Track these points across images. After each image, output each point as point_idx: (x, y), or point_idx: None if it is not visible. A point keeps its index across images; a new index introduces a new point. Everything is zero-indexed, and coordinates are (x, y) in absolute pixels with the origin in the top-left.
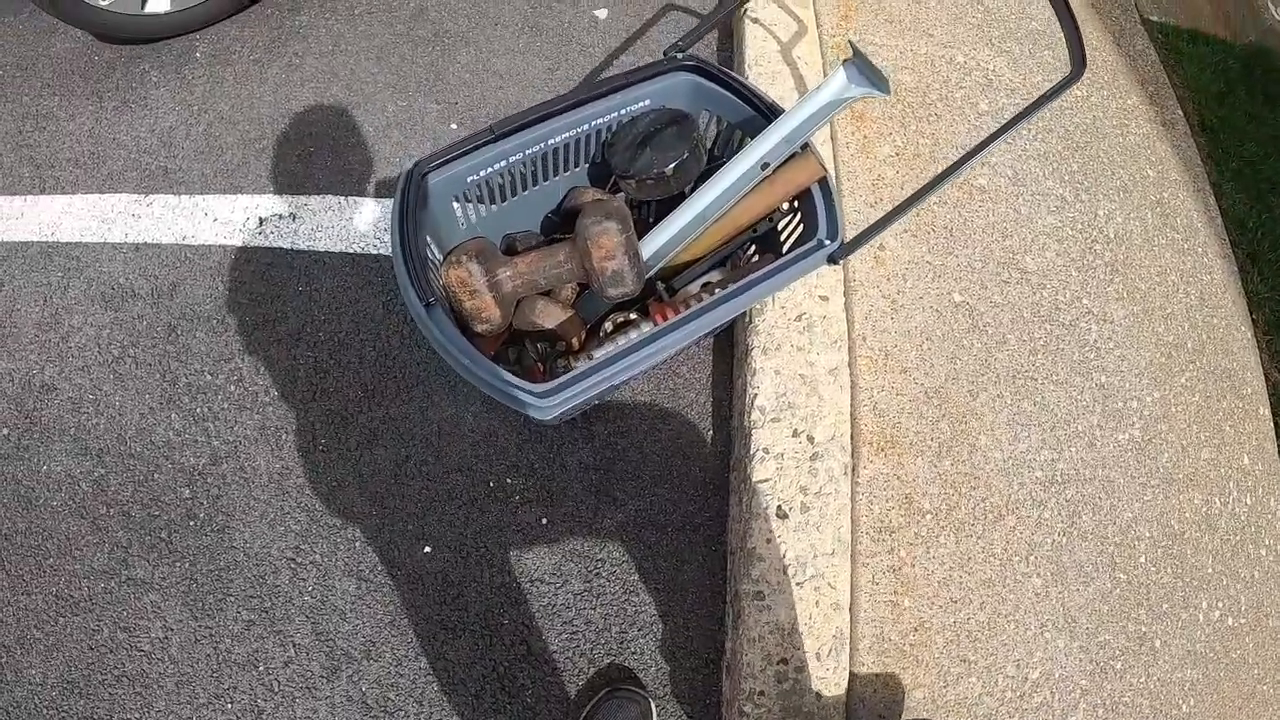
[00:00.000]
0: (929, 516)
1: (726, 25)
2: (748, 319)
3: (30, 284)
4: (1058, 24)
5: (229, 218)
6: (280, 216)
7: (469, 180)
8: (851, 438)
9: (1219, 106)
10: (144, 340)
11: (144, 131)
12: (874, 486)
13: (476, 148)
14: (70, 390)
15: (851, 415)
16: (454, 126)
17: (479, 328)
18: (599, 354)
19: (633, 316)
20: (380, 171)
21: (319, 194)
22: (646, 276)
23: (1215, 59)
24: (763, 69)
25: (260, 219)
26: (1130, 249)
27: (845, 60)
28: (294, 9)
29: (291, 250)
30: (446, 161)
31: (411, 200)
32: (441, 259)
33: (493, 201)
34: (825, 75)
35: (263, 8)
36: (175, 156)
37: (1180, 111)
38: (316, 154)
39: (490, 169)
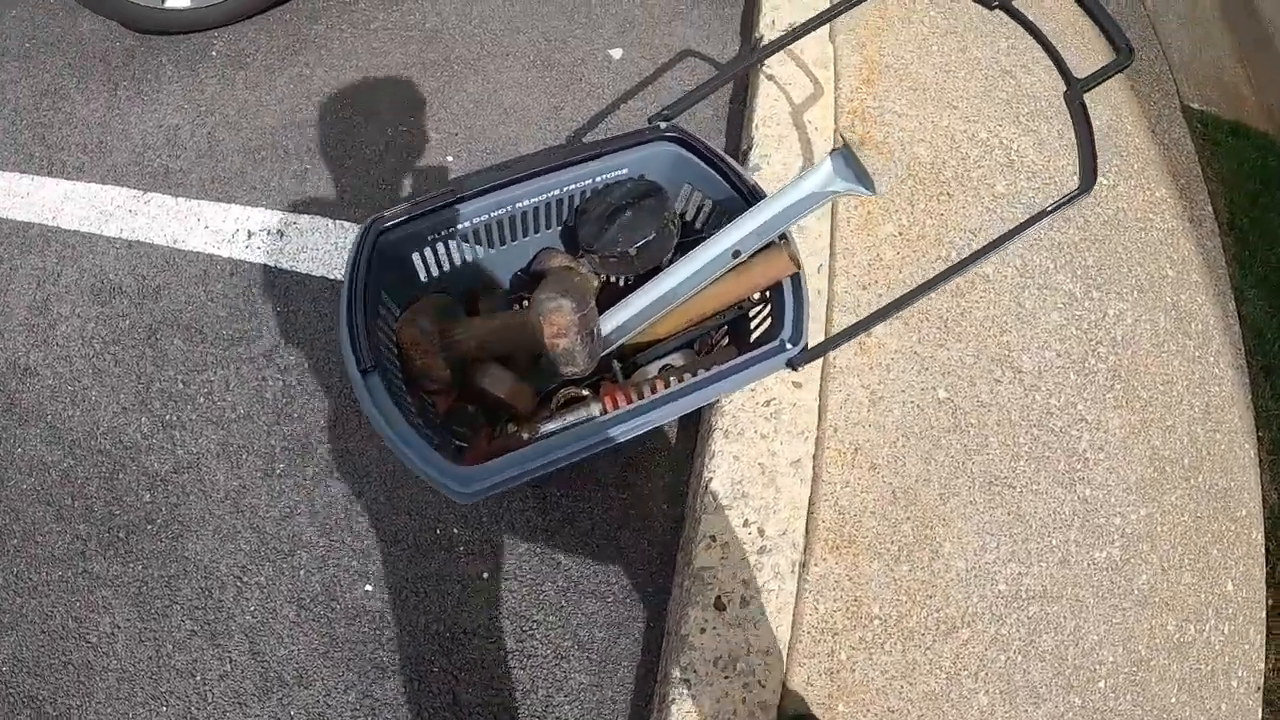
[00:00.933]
0: (877, 622)
1: (742, 79)
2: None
3: (27, 265)
4: (1090, 104)
5: (220, 226)
6: (269, 232)
7: (429, 237)
8: (806, 533)
9: (1252, 206)
10: (125, 339)
11: (151, 126)
12: (823, 585)
13: (436, 209)
14: (51, 378)
15: (809, 510)
16: (449, 159)
17: (428, 386)
18: (544, 428)
19: (584, 393)
20: (370, 198)
21: (309, 214)
22: (603, 354)
23: (1255, 155)
24: (769, 130)
25: (249, 232)
26: (1137, 354)
27: (833, 150)
28: (313, 16)
29: (275, 268)
30: (406, 219)
31: (365, 261)
32: (399, 311)
33: (458, 260)
34: (834, 144)
35: (282, 12)
36: (178, 156)
37: (1210, 208)
38: (312, 172)
39: (453, 228)
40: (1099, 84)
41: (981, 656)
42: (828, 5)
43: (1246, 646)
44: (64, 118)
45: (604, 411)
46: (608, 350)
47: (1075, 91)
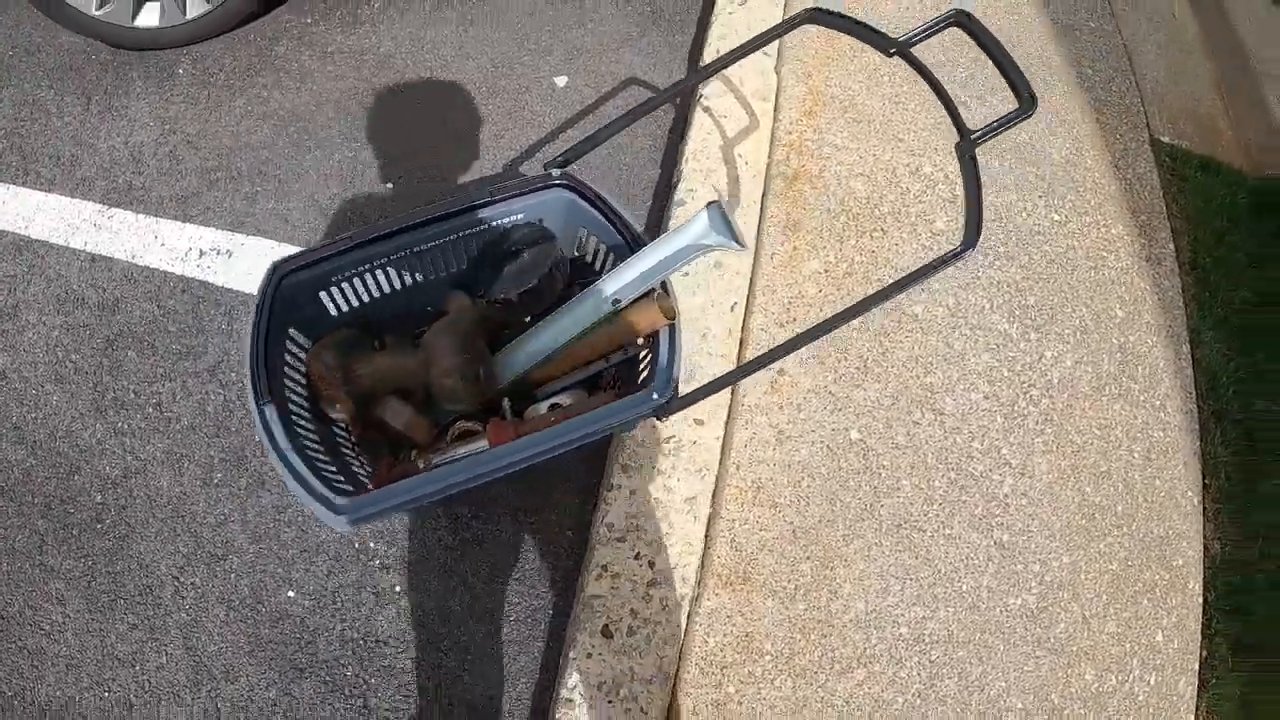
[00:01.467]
0: (768, 658)
1: (683, 110)
2: (617, 435)
3: (1, 271)
4: (1049, 136)
5: (175, 244)
6: (218, 252)
7: (334, 279)
8: (700, 568)
9: (1217, 244)
10: (85, 348)
11: (119, 142)
12: (714, 619)
13: (336, 254)
14: (18, 381)
15: (705, 546)
16: (389, 186)
17: (333, 414)
18: (435, 460)
19: (476, 428)
20: (313, 222)
21: (256, 235)
22: (492, 392)
23: (1225, 191)
24: (698, 164)
25: (201, 251)
26: (1073, 397)
27: (710, 204)
28: (275, 38)
29: (222, 288)
30: (309, 264)
31: (268, 303)
32: (309, 344)
33: (364, 297)
34: (765, 180)
35: (246, 32)
36: (141, 173)
37: (1172, 246)
38: (261, 195)
39: (355, 269)
40: (993, 136)
41: (877, 698)
42: (775, 49)
43: (1175, 698)
44: (40, 128)
45: (490, 446)
46: (499, 388)
47: (967, 144)
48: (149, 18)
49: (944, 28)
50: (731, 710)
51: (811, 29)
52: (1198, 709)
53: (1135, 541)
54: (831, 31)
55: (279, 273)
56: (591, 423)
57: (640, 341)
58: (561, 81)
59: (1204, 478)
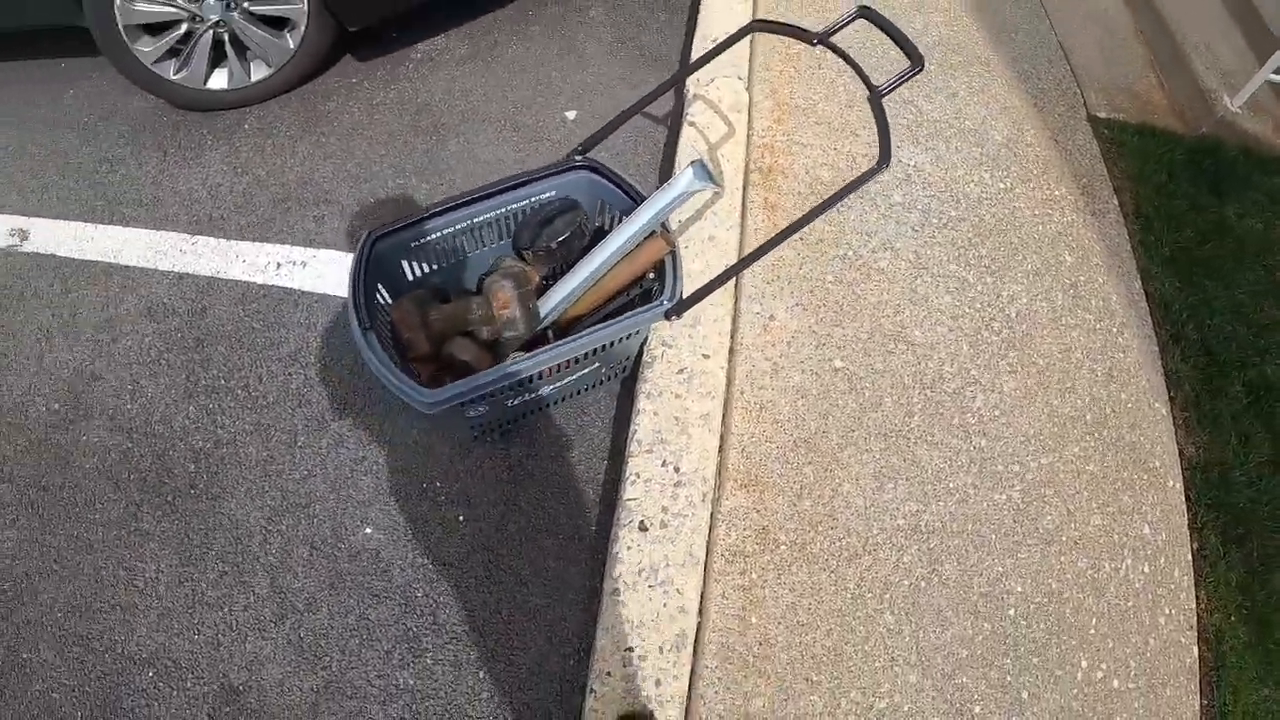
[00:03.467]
0: (784, 547)
1: (675, 128)
2: (640, 371)
3: (93, 294)
4: (991, 121)
5: (254, 260)
6: (294, 263)
7: (412, 245)
8: (717, 473)
9: (1158, 196)
10: (177, 348)
11: (196, 184)
12: (734, 516)
13: (416, 222)
14: (114, 380)
15: (720, 454)
16: None
17: (411, 354)
18: None
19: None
20: None
21: (326, 248)
22: (540, 327)
23: (1161, 151)
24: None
25: (278, 263)
26: (1032, 326)
27: (691, 162)
28: (326, 95)
29: (299, 290)
30: (393, 231)
31: (366, 257)
32: (391, 302)
33: (436, 265)
34: (745, 174)
35: (301, 93)
36: (218, 207)
37: (1115, 201)
38: (328, 217)
39: (428, 238)
40: (894, 89)
41: (884, 580)
42: (745, 75)
43: (1172, 586)
44: (120, 178)
45: None
46: (544, 324)
47: (875, 96)
48: (218, 81)
49: (853, 20)
50: (756, 594)
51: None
52: (1197, 598)
53: (1108, 446)
54: (791, 54)
55: (372, 236)
56: (618, 322)
57: (651, 277)
58: (571, 115)
59: (1169, 390)
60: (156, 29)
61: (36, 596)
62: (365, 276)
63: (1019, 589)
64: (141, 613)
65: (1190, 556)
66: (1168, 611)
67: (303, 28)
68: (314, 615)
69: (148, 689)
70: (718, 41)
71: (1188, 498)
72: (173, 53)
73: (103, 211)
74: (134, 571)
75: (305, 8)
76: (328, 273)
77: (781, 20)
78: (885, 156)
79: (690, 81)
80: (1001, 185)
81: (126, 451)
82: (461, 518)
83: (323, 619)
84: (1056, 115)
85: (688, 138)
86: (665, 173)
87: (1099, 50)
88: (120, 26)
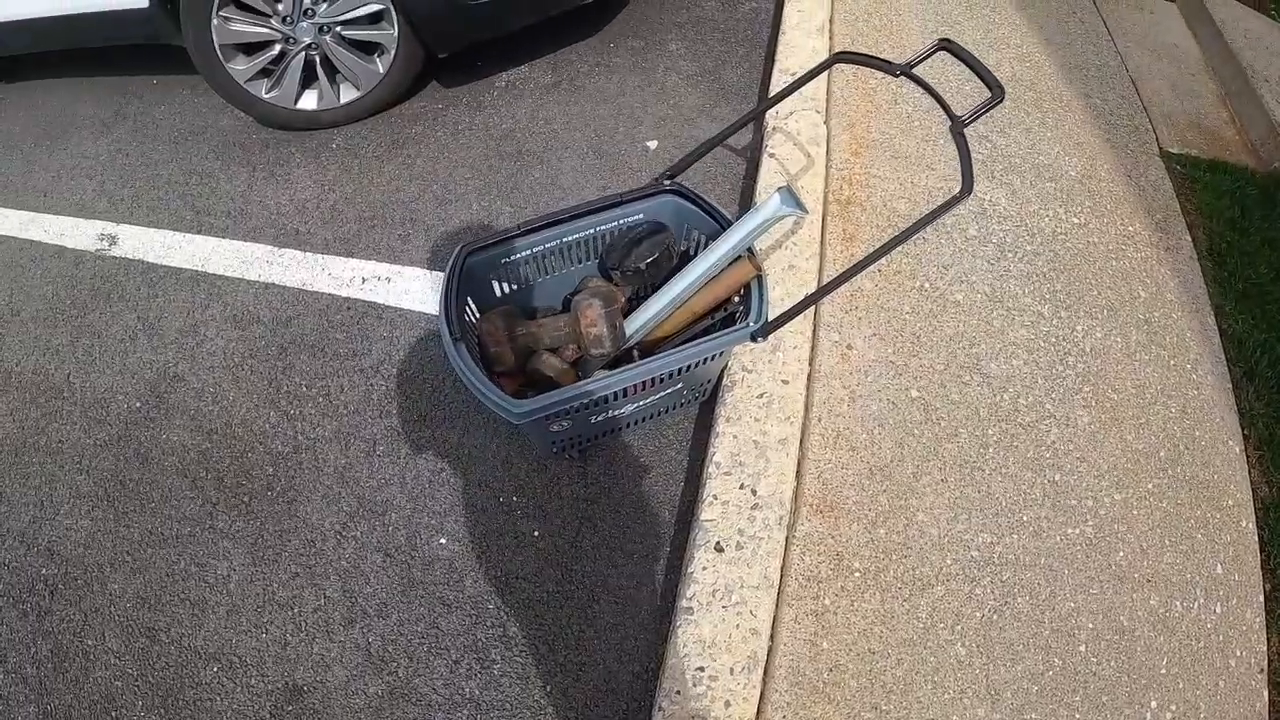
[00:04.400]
0: (857, 574)
1: (753, 161)
2: (720, 395)
3: (179, 299)
4: (1064, 156)
5: (340, 274)
6: (379, 279)
7: (502, 262)
8: (793, 497)
9: (1231, 232)
10: (260, 355)
11: (284, 199)
12: (809, 541)
13: (508, 238)
14: (196, 382)
15: (797, 479)
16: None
17: (498, 367)
18: None
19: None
20: None
21: (410, 265)
22: (625, 346)
23: (1234, 186)
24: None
25: (363, 278)
26: (1106, 362)
27: (780, 187)
28: (412, 119)
29: (383, 305)
30: (485, 246)
31: (459, 270)
32: (479, 316)
33: (523, 282)
34: (824, 204)
35: (388, 115)
36: (306, 222)
37: (1188, 238)
38: (413, 235)
39: (518, 255)
40: (976, 119)
41: (957, 612)
42: (822, 108)
43: (1244, 628)
44: (209, 191)
45: None
46: (629, 344)
47: (957, 125)
48: (308, 102)
49: (934, 52)
50: (829, 620)
51: (844, 71)
52: (1269, 641)
53: (1182, 484)
54: (868, 89)
55: (465, 249)
56: (705, 342)
57: (736, 300)
58: (653, 145)
59: (1243, 429)
60: (251, 49)
61: (106, 586)
62: (458, 290)
63: (1090, 625)
64: (210, 608)
65: (1263, 598)
66: (1238, 653)
67: (392, 53)
68: (384, 621)
69: (210, 683)
70: (796, 75)
71: (1261, 538)
72: (265, 73)
73: (190, 221)
74: (205, 568)
75: (395, 34)
76: (412, 289)
77: (863, 52)
78: (968, 185)
79: (769, 115)
80: (1075, 220)
81: (205, 452)
82: (537, 532)
83: (392, 625)
84: (1129, 151)
85: (768, 169)
86: (745, 203)
87: (1170, 85)
88: (216, 46)
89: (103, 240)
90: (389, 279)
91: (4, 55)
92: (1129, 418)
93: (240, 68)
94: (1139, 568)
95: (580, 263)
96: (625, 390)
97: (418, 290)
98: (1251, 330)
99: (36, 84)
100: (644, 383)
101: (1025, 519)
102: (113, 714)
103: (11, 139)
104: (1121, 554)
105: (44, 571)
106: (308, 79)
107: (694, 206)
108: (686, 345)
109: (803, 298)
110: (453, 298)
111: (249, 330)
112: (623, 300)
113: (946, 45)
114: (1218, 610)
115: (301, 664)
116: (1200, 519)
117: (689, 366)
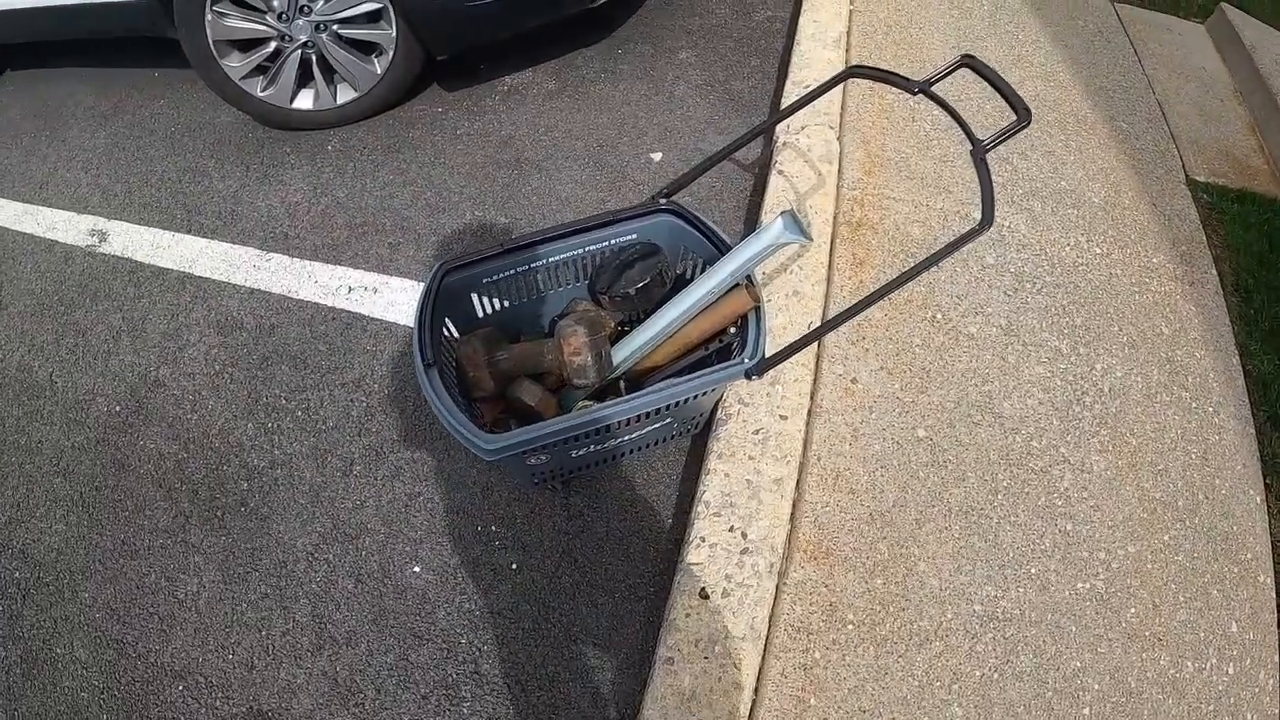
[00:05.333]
0: (851, 626)
1: (761, 176)
2: (713, 429)
3: (164, 301)
4: (1088, 182)
5: (326, 282)
6: (365, 288)
7: (484, 282)
8: (786, 542)
9: (1259, 267)
10: (241, 363)
11: (275, 201)
12: (801, 590)
13: (491, 256)
14: (176, 389)
15: (791, 522)
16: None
17: (476, 393)
18: None
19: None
20: None
21: (398, 276)
22: (611, 376)
23: (1262, 219)
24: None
25: (350, 287)
26: (1125, 403)
27: (783, 212)
28: (410, 123)
29: (368, 317)
30: (466, 265)
31: (435, 291)
32: (458, 336)
33: (506, 300)
34: (834, 226)
35: (386, 118)
36: (295, 226)
37: (1213, 271)
38: (403, 244)
39: (502, 274)
40: (998, 143)
41: (956, 670)
42: (836, 124)
43: (1255, 689)
44: (202, 190)
45: None
46: (616, 374)
47: (979, 150)
48: (304, 101)
49: (955, 69)
50: (818, 674)
51: (860, 85)
52: None
53: (1199, 535)
54: (885, 104)
55: (444, 268)
56: (696, 379)
57: (732, 331)
58: (657, 157)
59: (1265, 477)
60: (246, 45)
61: (77, 594)
62: (434, 310)
63: (1096, 686)
64: (179, 625)
65: (1277, 658)
66: (1249, 717)
67: (391, 54)
68: (353, 650)
69: (176, 702)
70: (810, 88)
71: (1278, 593)
72: (260, 70)
73: (181, 220)
74: (176, 583)
75: (394, 34)
76: (398, 300)
77: (880, 67)
78: (988, 217)
79: (780, 129)
80: (1098, 250)
81: (181, 461)
82: (514, 565)
83: (361, 655)
84: (1154, 178)
85: (776, 187)
86: (751, 222)
87: (1198, 110)
88: (210, 40)
89: (93, 236)
90: (375, 289)
91: (7, 44)
92: (1147, 463)
93: (234, 64)
94: (1150, 625)
95: (570, 284)
96: (608, 425)
97: (404, 303)
98: (1277, 372)
99: (39, 73)
100: (628, 419)
101: (1033, 571)
102: None
103: (12, 126)
104: (1133, 610)
105: (17, 575)
106: (304, 78)
107: (691, 228)
108: (675, 380)
109: (804, 333)
110: (427, 320)
111: (231, 337)
112: (610, 327)
113: (969, 62)
114: (1230, 671)
115: (268, 689)
116: (1217, 573)
117: (678, 403)
